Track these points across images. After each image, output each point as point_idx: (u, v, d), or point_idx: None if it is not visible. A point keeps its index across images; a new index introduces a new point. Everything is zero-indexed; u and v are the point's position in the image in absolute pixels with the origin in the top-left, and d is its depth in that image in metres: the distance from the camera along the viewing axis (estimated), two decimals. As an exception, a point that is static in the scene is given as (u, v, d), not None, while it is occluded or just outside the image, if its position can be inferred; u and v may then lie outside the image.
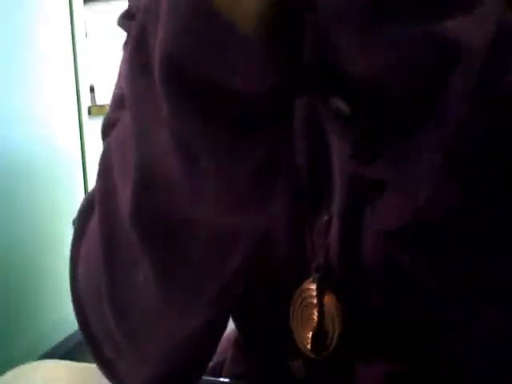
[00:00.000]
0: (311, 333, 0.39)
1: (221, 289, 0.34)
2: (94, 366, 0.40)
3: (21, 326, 1.94)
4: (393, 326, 0.38)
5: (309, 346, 0.39)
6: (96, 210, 0.34)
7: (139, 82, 0.28)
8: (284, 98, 0.27)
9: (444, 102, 0.24)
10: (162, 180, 0.29)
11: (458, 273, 0.34)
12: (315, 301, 0.38)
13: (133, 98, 0.29)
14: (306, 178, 0.39)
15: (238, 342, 0.50)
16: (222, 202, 0.29)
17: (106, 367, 0.39)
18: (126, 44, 0.44)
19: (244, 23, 0.24)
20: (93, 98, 2.41)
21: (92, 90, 2.39)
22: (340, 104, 0.26)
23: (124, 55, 0.42)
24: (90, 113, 2.30)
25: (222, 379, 0.48)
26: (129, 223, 0.30)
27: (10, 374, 0.47)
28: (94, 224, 0.35)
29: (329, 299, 0.38)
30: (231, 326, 0.45)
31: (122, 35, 0.45)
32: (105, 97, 2.41)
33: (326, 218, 0.38)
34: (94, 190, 0.36)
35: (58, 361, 0.51)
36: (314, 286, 0.38)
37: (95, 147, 2.08)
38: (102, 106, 2.33)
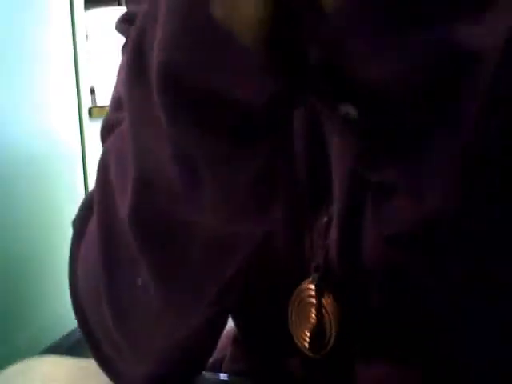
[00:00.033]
0: (309, 332, 0.39)
1: (220, 289, 0.34)
2: (94, 361, 0.40)
3: (23, 320, 1.94)
4: (393, 326, 0.38)
5: (307, 345, 0.39)
6: (95, 212, 0.34)
7: (137, 91, 0.28)
8: (283, 106, 0.27)
9: (457, 104, 0.23)
10: (160, 185, 0.29)
11: (457, 273, 0.34)
12: (314, 300, 0.38)
13: (131, 106, 0.29)
14: (305, 179, 0.39)
15: (238, 339, 0.50)
16: (219, 212, 0.28)
17: (106, 365, 0.39)
18: (124, 47, 0.44)
19: (243, 32, 0.23)
20: (93, 100, 2.41)
21: (93, 91, 2.39)
22: (348, 108, 0.25)
23: (123, 59, 0.42)
24: (90, 114, 2.31)
25: (221, 375, 0.48)
26: (127, 223, 0.30)
27: (10, 370, 0.47)
28: (93, 224, 0.35)
29: (327, 299, 0.38)
30: (231, 323, 0.45)
31: (122, 37, 0.45)
32: (105, 98, 2.41)
33: (325, 218, 0.38)
34: (93, 190, 0.36)
35: (57, 356, 0.50)
36: (312, 286, 0.38)
37: (96, 148, 2.08)
38: (102, 108, 2.33)
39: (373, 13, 0.23)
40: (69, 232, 0.40)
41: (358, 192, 0.36)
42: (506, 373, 0.38)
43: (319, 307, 0.38)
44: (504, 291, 0.34)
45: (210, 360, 0.44)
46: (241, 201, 0.28)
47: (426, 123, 0.24)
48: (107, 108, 0.43)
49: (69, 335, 2.06)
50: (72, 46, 2.23)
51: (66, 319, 1.92)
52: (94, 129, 2.29)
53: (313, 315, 0.38)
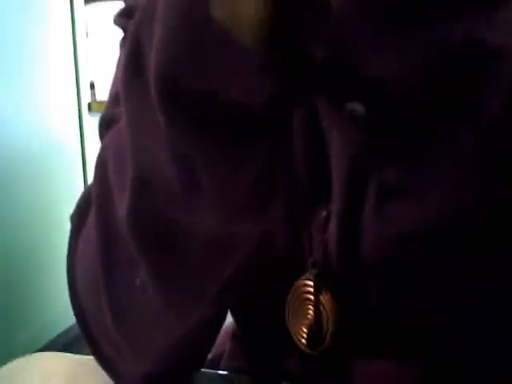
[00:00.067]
0: (306, 328, 0.38)
1: (220, 289, 0.34)
2: (92, 358, 0.40)
3: (23, 316, 1.94)
4: (391, 323, 0.38)
5: (304, 341, 0.39)
6: (93, 209, 0.34)
7: (135, 90, 0.28)
8: (283, 106, 0.26)
9: (480, 101, 0.23)
10: (158, 185, 0.29)
11: (458, 273, 0.34)
12: (311, 297, 0.38)
13: (128, 106, 0.29)
14: (304, 175, 0.38)
15: (237, 335, 0.50)
16: (218, 212, 0.28)
17: (105, 364, 0.39)
18: (122, 41, 0.43)
19: (242, 32, 0.23)
20: (93, 95, 2.40)
21: (92, 86, 2.39)
22: (355, 106, 0.25)
23: (121, 53, 0.42)
24: (90, 109, 2.30)
25: (220, 372, 0.48)
26: (126, 223, 0.30)
27: (8, 366, 0.47)
28: (91, 220, 0.35)
29: (325, 296, 0.38)
30: (230, 319, 0.45)
31: (121, 32, 0.44)
32: (105, 93, 2.40)
33: (324, 213, 0.38)
34: (91, 185, 0.35)
35: (56, 353, 0.50)
36: (309, 282, 0.38)
37: (95, 143, 2.08)
38: (102, 103, 2.33)
39: (385, 9, 0.22)
40: (68, 229, 0.40)
41: (358, 191, 0.36)
42: (506, 373, 0.38)
43: (317, 303, 0.38)
44: (504, 291, 0.34)
45: (209, 356, 0.44)
46: (240, 201, 0.28)
47: (441, 120, 0.24)
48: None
49: (68, 331, 2.06)
50: (72, 41, 2.23)
51: (66, 315, 1.92)
52: (93, 123, 2.29)
53: (310, 311, 0.38)
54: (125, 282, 0.33)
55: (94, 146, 2.26)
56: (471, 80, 0.23)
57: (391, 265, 0.36)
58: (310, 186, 0.38)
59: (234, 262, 0.32)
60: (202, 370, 0.42)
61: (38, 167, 2.01)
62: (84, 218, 0.37)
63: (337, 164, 0.36)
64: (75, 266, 0.38)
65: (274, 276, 0.41)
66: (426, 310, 0.36)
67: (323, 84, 0.25)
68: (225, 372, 0.48)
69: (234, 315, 0.46)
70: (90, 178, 0.36)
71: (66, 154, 2.18)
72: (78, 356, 0.49)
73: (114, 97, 0.41)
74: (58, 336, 2.06)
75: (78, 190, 2.17)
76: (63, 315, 1.96)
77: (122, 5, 0.45)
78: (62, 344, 1.99)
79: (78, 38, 2.24)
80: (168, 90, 0.25)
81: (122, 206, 0.30)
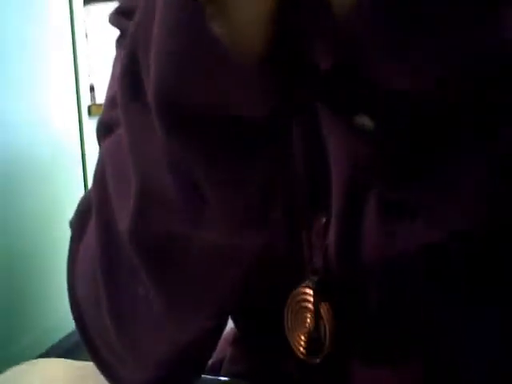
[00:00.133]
0: (305, 337, 0.38)
1: (222, 299, 0.33)
2: (93, 364, 0.40)
3: (25, 322, 1.94)
4: (392, 329, 0.38)
5: (302, 350, 0.39)
6: (93, 217, 0.34)
7: (133, 105, 0.28)
8: (284, 117, 0.26)
9: (508, 116, 0.22)
10: (160, 199, 0.28)
11: (458, 277, 0.34)
12: (309, 305, 0.38)
13: (127, 121, 0.29)
14: (304, 180, 0.38)
15: (237, 340, 0.50)
16: (221, 225, 0.28)
17: (106, 370, 0.39)
18: (119, 40, 0.43)
19: (243, 49, 0.22)
20: (93, 98, 2.41)
21: (92, 89, 2.39)
22: (365, 120, 0.24)
23: (118, 53, 0.42)
24: (89, 112, 2.31)
25: (221, 378, 0.48)
26: (127, 236, 0.30)
27: (8, 373, 0.47)
28: (91, 227, 0.35)
29: (324, 303, 0.38)
30: (230, 324, 0.45)
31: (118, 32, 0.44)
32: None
33: (324, 219, 0.38)
34: (90, 190, 0.35)
35: (57, 359, 0.50)
36: (308, 290, 0.38)
37: (95, 146, 2.08)
38: (101, 105, 2.33)
39: (397, 20, 0.21)
40: (69, 233, 0.40)
41: (358, 198, 0.36)
42: (506, 373, 0.37)
43: (316, 311, 0.38)
44: (504, 291, 0.34)
45: (210, 361, 0.44)
46: (242, 212, 0.28)
47: (465, 138, 0.23)
48: (106, 106, 0.43)
49: (69, 336, 2.06)
50: (71, 44, 2.23)
51: (68, 320, 1.92)
52: (93, 126, 2.28)
53: (308, 320, 0.38)
54: (126, 291, 0.33)
55: (93, 148, 2.26)
56: (499, 95, 0.22)
57: (391, 270, 0.36)
58: (310, 192, 0.38)
59: (235, 272, 0.32)
60: (203, 375, 0.42)
61: (38, 170, 2.01)
62: (84, 223, 0.37)
63: (337, 171, 0.36)
64: (75, 272, 0.38)
65: (274, 283, 0.41)
66: (426, 315, 0.36)
67: (328, 96, 0.25)
68: (225, 378, 0.48)
69: (234, 321, 0.46)
70: (90, 181, 0.35)
71: (66, 157, 2.18)
72: (78, 362, 0.49)
73: (111, 100, 0.40)
74: (60, 341, 2.07)
75: (78, 194, 2.17)
76: (65, 320, 1.95)
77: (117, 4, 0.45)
78: (64, 349, 2.00)
79: (77, 40, 2.24)
80: (167, 105, 0.24)
81: (122, 219, 0.30)
